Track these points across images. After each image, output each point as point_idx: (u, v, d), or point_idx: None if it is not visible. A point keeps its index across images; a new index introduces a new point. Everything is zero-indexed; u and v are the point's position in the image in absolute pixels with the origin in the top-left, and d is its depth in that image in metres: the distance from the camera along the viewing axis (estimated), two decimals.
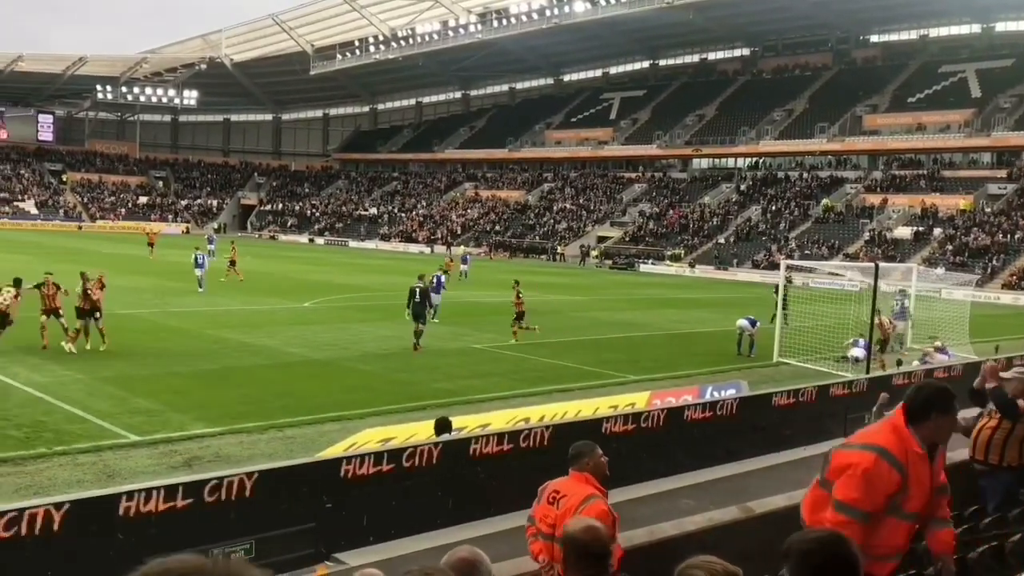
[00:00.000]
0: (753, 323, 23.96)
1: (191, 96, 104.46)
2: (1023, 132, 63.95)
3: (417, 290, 22.78)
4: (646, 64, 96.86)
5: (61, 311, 20.11)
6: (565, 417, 12.85)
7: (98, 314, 20.06)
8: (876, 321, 21.61)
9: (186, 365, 18.92)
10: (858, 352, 21.23)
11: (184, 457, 12.24)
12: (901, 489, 4.25)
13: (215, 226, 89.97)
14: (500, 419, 12.77)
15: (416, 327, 22.39)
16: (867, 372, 18.20)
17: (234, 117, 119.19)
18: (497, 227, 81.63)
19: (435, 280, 28.25)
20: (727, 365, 22.09)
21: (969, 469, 7.33)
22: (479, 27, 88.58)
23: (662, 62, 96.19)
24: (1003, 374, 7.30)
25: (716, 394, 15.11)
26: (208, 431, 13.56)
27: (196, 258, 34.51)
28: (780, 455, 13.11)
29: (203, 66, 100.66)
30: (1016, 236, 57.24)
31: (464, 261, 47.63)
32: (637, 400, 14.83)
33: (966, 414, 7.40)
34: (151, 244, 49.33)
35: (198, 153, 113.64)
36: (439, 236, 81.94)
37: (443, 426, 10.70)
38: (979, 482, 7.23)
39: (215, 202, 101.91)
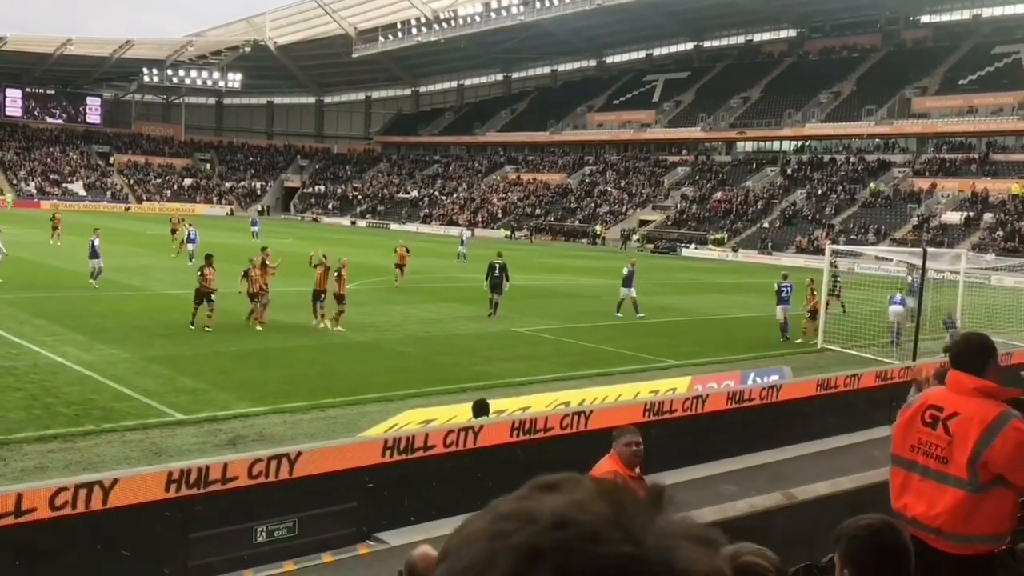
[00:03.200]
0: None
1: (235, 79, 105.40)
2: None
3: (496, 265, 25.06)
4: (690, 46, 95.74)
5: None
6: (605, 401, 12.83)
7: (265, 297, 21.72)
8: (810, 288, 23.42)
9: (231, 345, 19.18)
10: (896, 308, 23.02)
11: (228, 436, 12.42)
12: None
13: (258, 208, 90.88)
14: (540, 402, 12.79)
15: (492, 297, 24.78)
16: (914, 358, 17.92)
17: (277, 100, 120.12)
18: (538, 210, 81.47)
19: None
20: (770, 351, 21.88)
21: None
22: (521, 9, 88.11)
23: (707, 43, 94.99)
24: None
25: (759, 380, 14.99)
26: (252, 410, 13.75)
27: (188, 234, 36.38)
28: (823, 442, 13.00)
29: (247, 49, 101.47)
30: None
31: (462, 243, 45.06)
32: (678, 385, 14.76)
33: None
34: (174, 231, 45.85)
35: (242, 136, 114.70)
36: (480, 219, 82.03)
37: (481, 408, 10.75)
38: None
39: (259, 184, 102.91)
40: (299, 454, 8.31)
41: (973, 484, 4.13)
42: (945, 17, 79.76)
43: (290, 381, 15.97)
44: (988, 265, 36.06)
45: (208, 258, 21.69)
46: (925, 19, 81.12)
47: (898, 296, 23.22)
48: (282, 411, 13.84)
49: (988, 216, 58.97)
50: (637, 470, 5.82)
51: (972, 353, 4.36)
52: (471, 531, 0.81)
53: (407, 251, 32.80)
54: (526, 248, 60.23)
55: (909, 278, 26.54)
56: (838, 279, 28.19)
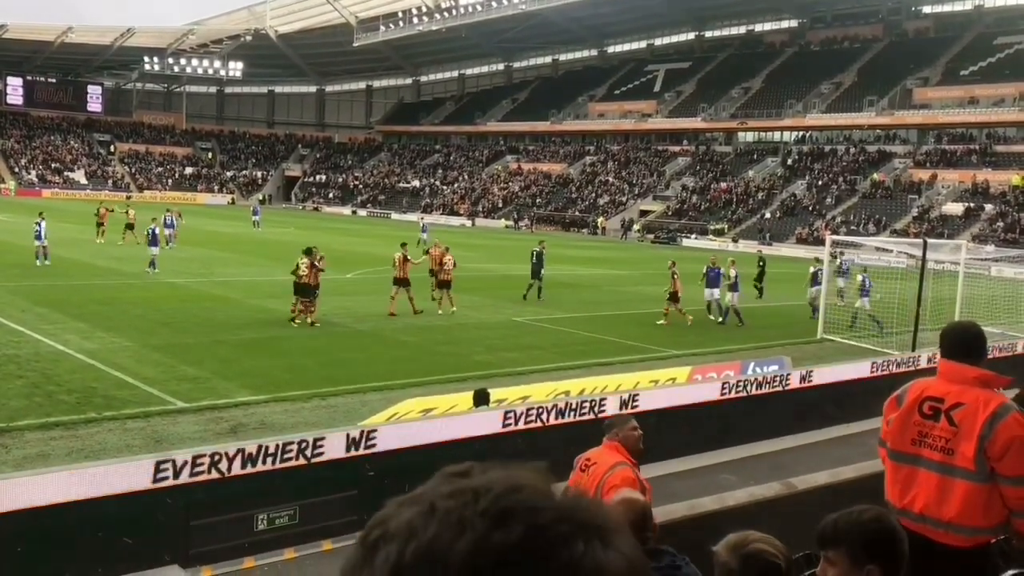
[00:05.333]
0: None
1: (236, 68, 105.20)
2: None
3: (535, 252, 26.87)
4: (692, 36, 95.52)
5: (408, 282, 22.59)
6: (605, 391, 12.85)
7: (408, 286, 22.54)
8: (671, 271, 24.30)
9: (232, 334, 19.19)
10: (814, 290, 24.93)
11: (230, 424, 12.45)
12: None
13: (260, 197, 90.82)
14: (540, 391, 12.81)
15: (532, 283, 26.60)
16: (913, 348, 17.95)
17: (278, 89, 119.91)
18: (538, 200, 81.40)
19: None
20: (770, 341, 21.91)
21: None
22: None
23: (708, 33, 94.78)
24: None
25: (759, 370, 15.00)
26: (253, 399, 13.78)
27: (165, 219, 37.34)
28: (822, 432, 13.04)
29: (248, 38, 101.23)
30: None
31: (423, 230, 45.42)
32: (678, 375, 14.79)
33: None
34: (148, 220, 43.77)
35: (243, 124, 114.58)
36: (481, 209, 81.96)
37: (481, 397, 10.78)
38: None
39: (260, 173, 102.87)
40: (300, 442, 8.34)
41: (982, 474, 4.08)
42: (947, 7, 79.54)
43: (291, 370, 16.00)
44: (988, 256, 36.08)
45: (309, 252, 21.02)
46: (927, 9, 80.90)
47: (819, 274, 24.57)
48: (283, 399, 13.87)
49: (989, 207, 58.95)
50: None
51: (971, 342, 4.31)
52: (413, 514, 0.81)
53: (447, 251, 25.11)
54: (527, 238, 60.16)
55: (838, 260, 27.22)
56: (762, 262, 29.86)
